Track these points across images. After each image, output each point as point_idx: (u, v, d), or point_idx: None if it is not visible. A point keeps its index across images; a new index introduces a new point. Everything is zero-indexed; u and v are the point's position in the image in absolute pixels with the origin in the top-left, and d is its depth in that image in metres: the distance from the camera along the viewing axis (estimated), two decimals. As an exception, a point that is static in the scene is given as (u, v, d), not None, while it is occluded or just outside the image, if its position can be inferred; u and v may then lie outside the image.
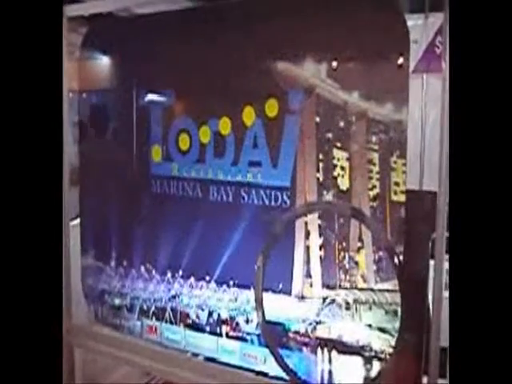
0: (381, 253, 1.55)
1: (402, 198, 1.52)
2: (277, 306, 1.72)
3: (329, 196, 1.62)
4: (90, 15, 1.99)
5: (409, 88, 1.49)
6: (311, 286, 1.66)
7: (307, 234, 1.66)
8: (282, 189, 1.70)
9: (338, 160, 1.60)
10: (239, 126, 1.76)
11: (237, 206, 1.79)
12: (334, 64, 1.59)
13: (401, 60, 1.47)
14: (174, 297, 1.96)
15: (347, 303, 1.60)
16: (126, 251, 2.09)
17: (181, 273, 1.93)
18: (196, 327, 1.92)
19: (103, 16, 1.99)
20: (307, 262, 1.66)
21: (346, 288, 1.60)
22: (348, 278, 1.61)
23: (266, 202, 1.73)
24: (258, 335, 1.78)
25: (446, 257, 1.38)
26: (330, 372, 1.65)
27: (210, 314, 1.88)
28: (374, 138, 1.55)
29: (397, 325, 1.52)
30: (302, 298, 1.68)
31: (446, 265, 1.36)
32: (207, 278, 1.86)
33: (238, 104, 1.76)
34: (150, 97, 2.02)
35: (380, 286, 1.55)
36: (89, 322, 2.18)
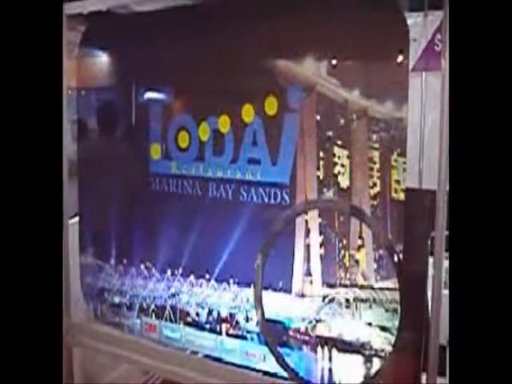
0: (381, 251, 1.55)
1: (403, 196, 1.53)
2: (277, 304, 1.72)
3: (329, 194, 1.62)
4: (89, 13, 1.98)
5: (408, 86, 1.50)
6: (311, 284, 1.66)
7: (307, 232, 1.66)
8: (281, 186, 1.70)
9: (339, 158, 1.60)
10: (238, 124, 1.76)
11: (236, 203, 1.79)
12: (334, 62, 1.59)
13: (400, 58, 1.47)
14: (173, 295, 1.96)
15: (347, 301, 1.60)
16: (125, 249, 2.09)
17: (180, 271, 1.93)
18: (196, 325, 1.92)
19: (102, 14, 1.99)
20: (307, 260, 1.66)
21: (347, 286, 1.60)
22: (348, 276, 1.61)
23: (266, 200, 1.73)
24: (258, 333, 1.78)
25: (445, 255, 1.38)
26: (330, 370, 1.65)
27: (210, 312, 1.88)
28: (374, 136, 1.55)
29: (397, 323, 1.53)
30: (302, 296, 1.68)
31: (445, 263, 1.36)
32: (207, 276, 1.86)
33: (238, 102, 1.76)
34: (149, 94, 2.01)
35: (380, 284, 1.56)
36: (87, 321, 2.18)
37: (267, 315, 1.75)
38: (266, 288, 1.74)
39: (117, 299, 2.12)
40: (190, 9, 1.86)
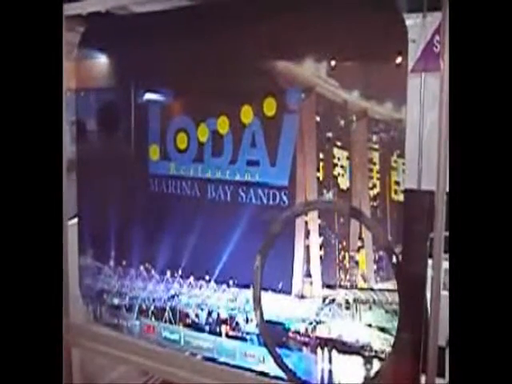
0: (381, 252, 1.55)
1: (403, 197, 1.52)
2: (277, 306, 1.72)
3: (329, 195, 1.62)
4: (88, 14, 1.98)
5: (407, 87, 1.50)
6: (311, 285, 1.66)
7: (307, 233, 1.66)
8: (280, 188, 1.70)
9: (339, 159, 1.59)
10: (237, 125, 1.76)
11: (235, 204, 1.79)
12: (333, 63, 1.59)
13: (399, 59, 1.47)
14: (173, 296, 1.96)
15: (347, 302, 1.60)
16: (124, 251, 2.09)
17: (180, 272, 1.93)
18: (195, 327, 1.92)
19: (101, 14, 1.99)
20: (307, 261, 1.66)
21: (346, 287, 1.60)
22: (348, 277, 1.60)
23: (264, 201, 1.73)
24: (258, 335, 1.78)
25: (444, 256, 1.38)
26: (330, 371, 1.65)
27: (210, 313, 1.88)
28: (374, 137, 1.55)
29: (396, 324, 1.52)
30: (302, 297, 1.68)
31: (444, 264, 1.36)
32: (207, 277, 1.86)
33: (236, 103, 1.76)
34: (148, 96, 2.01)
35: (380, 285, 1.55)
36: (86, 322, 2.18)
37: (267, 316, 1.74)
38: (266, 289, 1.74)
39: (116, 301, 2.12)
40: (188, 10, 1.86)
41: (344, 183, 1.60)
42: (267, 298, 1.73)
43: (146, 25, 1.95)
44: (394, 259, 1.52)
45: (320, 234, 1.64)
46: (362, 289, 1.58)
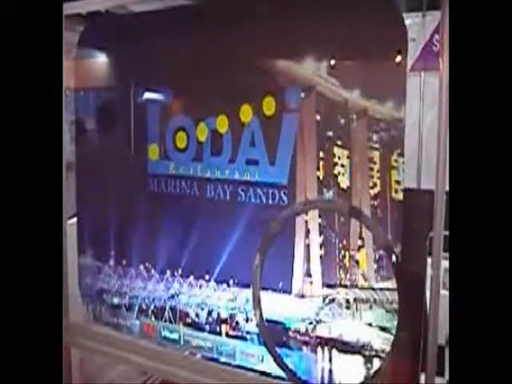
0: (381, 251, 1.55)
1: (402, 196, 1.52)
2: (277, 305, 1.72)
3: (329, 194, 1.62)
4: (87, 13, 1.98)
5: (406, 86, 1.49)
6: (311, 284, 1.66)
7: (307, 233, 1.66)
8: (279, 187, 1.70)
9: (339, 158, 1.59)
10: (236, 124, 1.76)
11: (234, 204, 1.79)
12: (332, 62, 1.59)
13: (399, 58, 1.47)
14: (173, 296, 1.96)
15: (348, 302, 1.60)
16: (123, 250, 2.09)
17: (180, 271, 1.93)
18: (195, 326, 1.92)
19: (100, 14, 1.98)
20: (307, 260, 1.66)
21: (347, 287, 1.60)
22: (348, 276, 1.60)
23: (264, 200, 1.73)
24: (258, 334, 1.78)
25: (444, 255, 1.38)
26: (330, 371, 1.64)
27: (210, 313, 1.88)
28: (374, 136, 1.55)
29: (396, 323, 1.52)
30: (302, 296, 1.67)
31: (444, 263, 1.36)
32: (206, 276, 1.86)
33: (235, 102, 1.76)
34: (147, 95, 2.01)
35: (381, 284, 1.55)
36: (85, 321, 2.18)
37: (267, 316, 1.74)
38: (266, 289, 1.74)
39: (116, 300, 2.12)
40: (187, 9, 1.86)
41: (344, 182, 1.59)
42: (267, 297, 1.73)
43: (145, 24, 1.95)
44: (394, 258, 1.52)
45: (320, 233, 1.64)
46: (362, 288, 1.58)
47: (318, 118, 1.63)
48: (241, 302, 1.80)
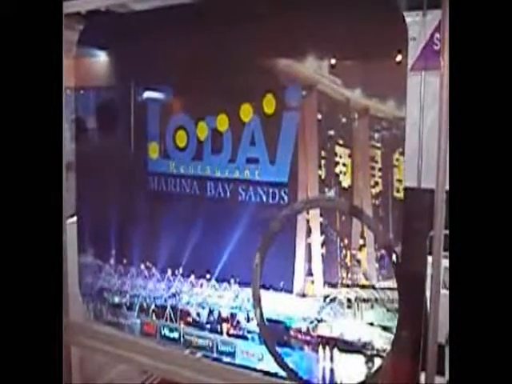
0: (383, 250, 1.55)
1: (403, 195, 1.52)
2: (278, 304, 1.72)
3: (331, 193, 1.61)
4: (87, 12, 1.97)
5: (407, 85, 1.49)
6: (313, 283, 1.65)
7: (308, 232, 1.66)
8: (279, 185, 1.70)
9: (340, 157, 1.59)
10: (237, 123, 1.76)
11: (234, 203, 1.78)
12: (333, 61, 1.59)
13: (399, 57, 1.47)
14: (174, 295, 1.95)
15: (349, 301, 1.60)
16: (123, 249, 2.09)
17: (181, 270, 1.92)
18: (196, 325, 1.92)
19: (100, 12, 1.98)
20: (308, 259, 1.66)
21: (348, 286, 1.60)
22: (350, 275, 1.60)
23: (264, 199, 1.73)
24: (259, 333, 1.77)
25: (444, 254, 1.38)
26: (332, 370, 1.64)
27: (211, 312, 1.88)
28: (375, 135, 1.55)
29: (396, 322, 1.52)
30: (304, 295, 1.67)
31: (444, 262, 1.36)
32: (207, 275, 1.86)
33: (236, 101, 1.76)
34: (148, 94, 2.01)
35: (382, 283, 1.55)
36: (85, 320, 2.17)
37: (268, 315, 1.74)
38: (267, 288, 1.73)
39: (116, 299, 2.12)
40: (187, 8, 1.85)
41: (346, 181, 1.59)
42: (268, 296, 1.73)
43: (145, 22, 1.95)
44: (394, 257, 1.51)
45: (321, 232, 1.64)
46: (363, 287, 1.58)
47: (320, 116, 1.62)
48: (242, 301, 1.79)
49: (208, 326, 1.89)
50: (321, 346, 1.65)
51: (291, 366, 1.71)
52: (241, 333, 1.82)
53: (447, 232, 1.23)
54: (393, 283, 1.53)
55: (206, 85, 1.83)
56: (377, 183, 1.56)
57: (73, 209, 2.18)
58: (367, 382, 1.58)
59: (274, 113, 1.69)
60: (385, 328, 1.54)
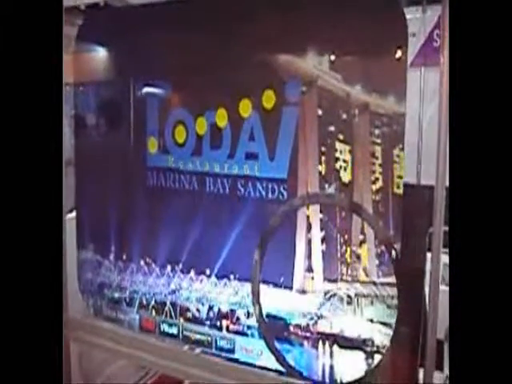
0: (383, 247, 1.55)
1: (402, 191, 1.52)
2: (278, 300, 1.71)
3: (331, 189, 1.61)
4: (86, 6, 1.97)
5: (407, 81, 1.49)
6: (313, 279, 1.65)
7: (308, 227, 1.66)
8: (278, 181, 1.70)
9: (341, 153, 1.59)
10: (236, 118, 1.75)
11: (233, 198, 1.78)
12: (333, 57, 1.58)
13: (399, 53, 1.46)
14: (173, 291, 1.95)
15: (349, 297, 1.60)
16: (122, 244, 2.08)
17: (180, 266, 1.92)
18: (196, 321, 1.92)
19: (99, 7, 1.97)
20: (308, 255, 1.66)
21: (348, 282, 1.60)
22: (350, 271, 1.60)
23: (263, 195, 1.73)
24: (259, 329, 1.77)
25: (443, 251, 1.38)
26: (331, 366, 1.64)
27: (211, 308, 1.88)
28: (376, 131, 1.54)
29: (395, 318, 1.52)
30: (304, 291, 1.67)
31: (443, 258, 1.36)
32: (207, 271, 1.86)
33: (235, 96, 1.75)
34: (146, 89, 2.00)
35: (382, 279, 1.55)
36: (85, 316, 2.18)
37: (268, 311, 1.74)
38: (267, 284, 1.73)
39: (116, 295, 2.11)
40: (187, 2, 1.85)
41: (346, 177, 1.59)
42: (268, 292, 1.73)
43: (144, 17, 1.94)
44: (393, 253, 1.51)
45: (321, 228, 1.64)
46: (363, 282, 1.58)
47: (320, 112, 1.62)
48: (242, 296, 1.79)
49: (208, 321, 1.89)
50: (321, 342, 1.65)
51: (290, 362, 1.71)
52: (240, 329, 1.81)
53: (446, 228, 1.23)
54: (393, 279, 1.53)
55: (205, 80, 1.82)
56: (377, 179, 1.55)
57: (72, 204, 2.17)
58: (366, 378, 1.58)
59: (273, 108, 1.68)
60: (385, 324, 1.54)
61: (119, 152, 2.07)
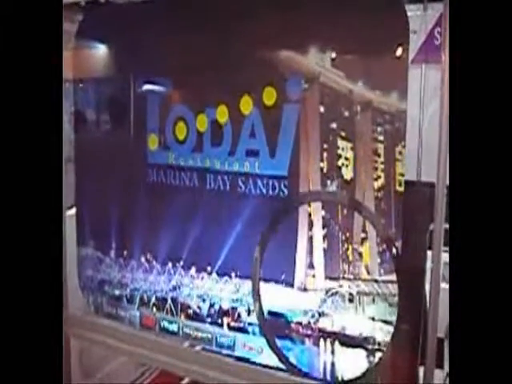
0: (384, 244, 1.55)
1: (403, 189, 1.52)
2: (279, 298, 1.71)
3: (332, 186, 1.61)
4: (86, 2, 1.96)
5: (408, 79, 1.49)
6: (314, 277, 1.65)
7: (310, 225, 1.65)
8: (279, 178, 1.69)
9: (343, 150, 1.59)
10: (236, 115, 1.75)
11: (234, 195, 1.78)
12: (334, 54, 1.58)
13: (400, 50, 1.46)
14: (174, 288, 1.95)
15: (350, 295, 1.59)
16: (122, 241, 2.08)
17: (181, 263, 1.92)
18: (197, 318, 1.92)
19: (99, 3, 1.97)
20: (310, 252, 1.66)
21: (350, 279, 1.60)
22: (351, 269, 1.60)
23: (264, 192, 1.72)
24: (260, 326, 1.77)
25: (444, 248, 1.38)
26: (333, 364, 1.64)
27: (212, 305, 1.88)
28: (378, 129, 1.54)
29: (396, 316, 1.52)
30: (305, 289, 1.67)
31: (444, 256, 1.36)
32: (208, 268, 1.86)
33: (236, 92, 1.75)
34: (147, 85, 2.00)
35: (384, 277, 1.55)
36: (85, 313, 2.18)
37: (269, 308, 1.74)
38: (269, 281, 1.73)
39: (116, 292, 2.11)
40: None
41: (348, 174, 1.59)
42: (270, 289, 1.73)
43: (144, 13, 1.93)
44: (394, 251, 1.51)
45: (323, 226, 1.64)
46: (365, 280, 1.58)
47: (322, 109, 1.62)
48: (243, 293, 1.79)
49: (209, 319, 1.89)
50: (322, 340, 1.65)
51: (291, 359, 1.71)
52: (241, 325, 1.81)
53: (447, 226, 1.23)
54: (395, 277, 1.53)
55: (205, 76, 1.82)
56: (379, 177, 1.55)
57: (72, 201, 2.17)
58: (367, 376, 1.58)
59: (274, 105, 1.68)
60: (386, 322, 1.54)
61: (120, 149, 2.07)
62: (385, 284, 1.54)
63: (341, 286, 1.61)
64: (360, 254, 1.58)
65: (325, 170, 1.62)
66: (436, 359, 1.42)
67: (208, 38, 1.80)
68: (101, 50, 2.14)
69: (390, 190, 1.53)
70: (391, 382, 1.64)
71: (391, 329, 1.53)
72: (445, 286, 1.28)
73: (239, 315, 1.81)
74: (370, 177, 1.56)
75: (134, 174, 2.03)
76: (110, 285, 2.13)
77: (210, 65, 1.80)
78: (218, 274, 1.84)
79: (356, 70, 1.58)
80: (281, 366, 1.73)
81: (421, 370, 1.48)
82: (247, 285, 1.77)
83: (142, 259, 2.02)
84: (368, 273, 1.57)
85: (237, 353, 1.83)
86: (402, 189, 1.52)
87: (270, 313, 1.74)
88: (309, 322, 1.67)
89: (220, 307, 1.85)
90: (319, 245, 1.64)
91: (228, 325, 1.84)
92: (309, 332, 1.67)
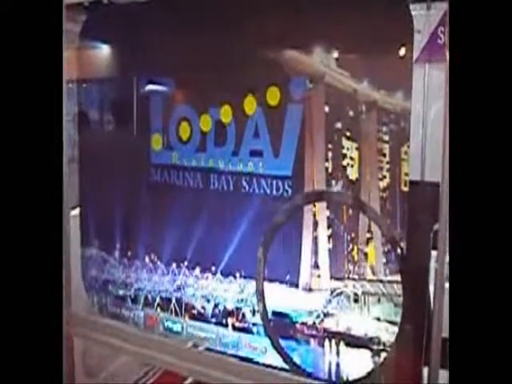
0: (389, 244, 1.54)
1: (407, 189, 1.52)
2: (284, 298, 1.71)
3: (337, 186, 1.61)
4: (89, 3, 1.96)
5: (412, 78, 1.49)
6: (319, 277, 1.65)
7: (315, 225, 1.65)
8: (283, 179, 1.69)
9: (348, 150, 1.58)
10: (240, 115, 1.75)
11: (238, 195, 1.78)
12: (339, 53, 1.58)
13: (404, 50, 1.46)
14: (179, 288, 1.95)
15: (356, 295, 1.59)
16: (126, 241, 2.08)
17: (186, 264, 1.92)
18: (201, 319, 1.92)
19: (102, 4, 1.97)
20: (315, 252, 1.65)
21: (355, 280, 1.60)
22: (357, 269, 1.60)
23: (268, 192, 1.72)
24: (264, 327, 1.77)
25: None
26: (338, 364, 1.64)
27: (216, 305, 1.88)
28: (383, 128, 1.54)
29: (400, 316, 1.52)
30: (310, 289, 1.67)
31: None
32: (213, 268, 1.86)
33: (240, 92, 1.75)
34: (151, 86, 2.00)
35: (389, 278, 1.55)
36: (89, 312, 2.18)
37: (274, 309, 1.74)
38: (273, 281, 1.73)
39: (120, 292, 2.12)
40: (191, -1, 1.84)
41: (353, 174, 1.59)
42: (274, 290, 1.72)
43: (148, 14, 1.93)
44: (399, 251, 1.51)
45: (328, 226, 1.63)
46: (370, 280, 1.57)
47: (327, 109, 1.61)
48: (247, 294, 1.79)
49: (213, 319, 1.89)
50: (327, 340, 1.65)
51: (296, 359, 1.71)
52: (246, 326, 1.81)
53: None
54: (400, 277, 1.53)
55: (209, 76, 1.82)
56: (384, 177, 1.55)
57: (76, 201, 2.17)
58: (372, 376, 1.58)
59: (278, 105, 1.68)
60: (392, 322, 1.54)
61: (123, 149, 2.07)
62: (390, 284, 1.54)
63: (346, 287, 1.60)
64: (365, 254, 1.58)
65: (330, 170, 1.62)
66: (441, 359, 1.42)
67: (212, 38, 1.80)
68: (104, 51, 2.14)
69: (396, 190, 1.53)
70: (396, 383, 1.63)
71: (397, 329, 1.53)
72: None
73: (244, 315, 1.81)
74: (375, 177, 1.55)
75: (138, 175, 2.03)
76: (115, 285, 2.13)
77: (214, 65, 1.80)
78: (222, 275, 1.84)
79: (360, 69, 1.57)
80: (285, 366, 1.72)
81: (425, 370, 1.48)
82: (252, 285, 1.77)
83: (147, 259, 2.02)
84: (373, 273, 1.57)
85: (241, 353, 1.83)
86: (407, 189, 1.52)
87: (275, 313, 1.74)
88: (314, 323, 1.67)
89: (224, 307, 1.85)
90: (324, 245, 1.64)
91: (232, 325, 1.84)
92: (313, 332, 1.67)
